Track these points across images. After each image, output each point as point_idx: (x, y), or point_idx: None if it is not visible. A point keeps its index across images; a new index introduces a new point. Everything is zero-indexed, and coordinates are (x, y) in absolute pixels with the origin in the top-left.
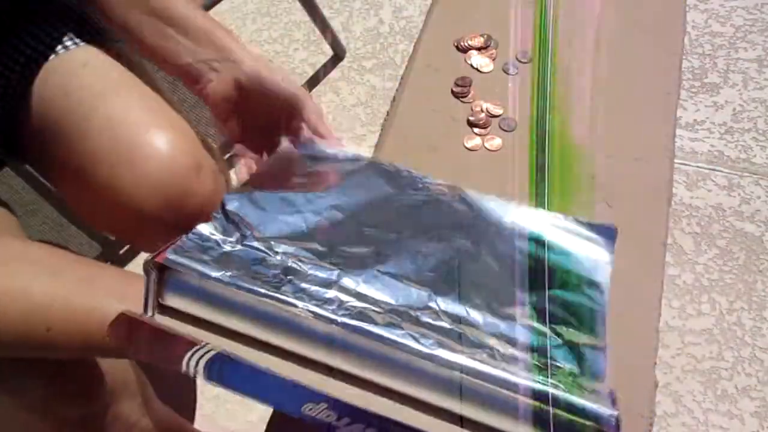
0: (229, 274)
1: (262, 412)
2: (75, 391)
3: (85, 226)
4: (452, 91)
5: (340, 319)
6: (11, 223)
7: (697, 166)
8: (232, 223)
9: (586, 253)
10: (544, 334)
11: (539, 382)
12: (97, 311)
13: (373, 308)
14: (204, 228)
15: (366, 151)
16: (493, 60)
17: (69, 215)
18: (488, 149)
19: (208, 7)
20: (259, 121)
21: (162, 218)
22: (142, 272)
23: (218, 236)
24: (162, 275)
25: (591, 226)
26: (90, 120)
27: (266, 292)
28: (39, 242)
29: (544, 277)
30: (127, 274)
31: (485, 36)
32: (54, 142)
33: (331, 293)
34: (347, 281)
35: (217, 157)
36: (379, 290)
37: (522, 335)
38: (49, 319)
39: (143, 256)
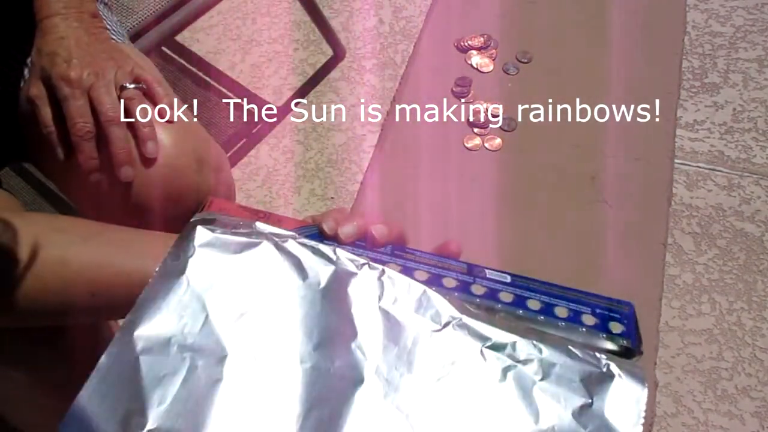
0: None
1: None
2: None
3: None
4: (452, 91)
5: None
6: (18, 204)
7: (697, 166)
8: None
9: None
10: None
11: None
12: (136, 273)
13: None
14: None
15: (366, 151)
16: (493, 60)
17: (69, 215)
18: (488, 149)
19: (208, 7)
20: None
21: (164, 214)
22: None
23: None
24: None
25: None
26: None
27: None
28: (59, 215)
29: None
30: (152, 234)
31: (485, 36)
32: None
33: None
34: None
35: (219, 153)
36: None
37: None
38: (91, 284)
39: None
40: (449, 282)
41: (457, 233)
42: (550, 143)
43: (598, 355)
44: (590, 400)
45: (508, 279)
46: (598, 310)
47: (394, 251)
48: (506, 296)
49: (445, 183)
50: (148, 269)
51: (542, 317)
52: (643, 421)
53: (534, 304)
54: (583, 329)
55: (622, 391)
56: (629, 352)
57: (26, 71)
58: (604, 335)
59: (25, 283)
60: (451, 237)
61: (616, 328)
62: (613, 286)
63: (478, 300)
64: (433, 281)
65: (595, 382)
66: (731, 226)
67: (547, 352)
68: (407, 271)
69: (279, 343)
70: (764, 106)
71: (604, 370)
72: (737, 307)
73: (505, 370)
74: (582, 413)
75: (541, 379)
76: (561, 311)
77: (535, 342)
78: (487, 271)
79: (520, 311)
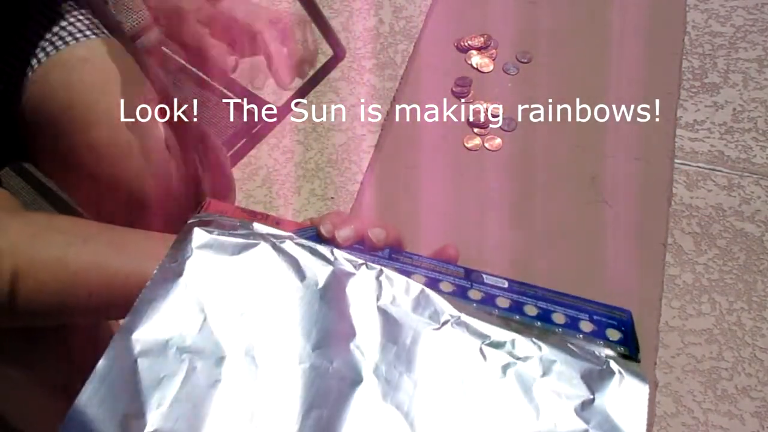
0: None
1: None
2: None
3: None
4: (452, 91)
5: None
6: (18, 203)
7: (697, 166)
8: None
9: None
10: None
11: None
12: (135, 274)
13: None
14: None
15: (366, 151)
16: (493, 60)
17: (69, 215)
18: (488, 149)
19: None
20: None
21: (163, 214)
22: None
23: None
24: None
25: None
26: (91, 114)
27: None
28: (59, 214)
29: None
30: (151, 235)
31: (485, 36)
32: (55, 136)
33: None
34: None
35: (219, 154)
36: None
37: None
38: (89, 285)
39: None
40: (446, 286)
41: (457, 233)
42: (550, 143)
43: (597, 352)
44: (592, 396)
45: (506, 284)
46: (595, 317)
47: (391, 254)
48: (503, 302)
49: (444, 183)
50: (147, 270)
51: (539, 323)
52: (646, 416)
53: (531, 310)
54: (581, 336)
55: (623, 387)
56: (627, 359)
57: (27, 71)
58: (602, 342)
59: (24, 283)
60: (450, 237)
61: (614, 335)
62: (613, 286)
63: (474, 305)
64: (430, 285)
65: (596, 379)
66: (731, 226)
67: (547, 350)
68: (404, 275)
69: (277, 344)
70: (764, 106)
71: (605, 367)
72: (737, 307)
73: (505, 368)
74: (584, 409)
75: (542, 376)
76: (558, 317)
77: (534, 339)
78: (484, 275)
79: (517, 317)
